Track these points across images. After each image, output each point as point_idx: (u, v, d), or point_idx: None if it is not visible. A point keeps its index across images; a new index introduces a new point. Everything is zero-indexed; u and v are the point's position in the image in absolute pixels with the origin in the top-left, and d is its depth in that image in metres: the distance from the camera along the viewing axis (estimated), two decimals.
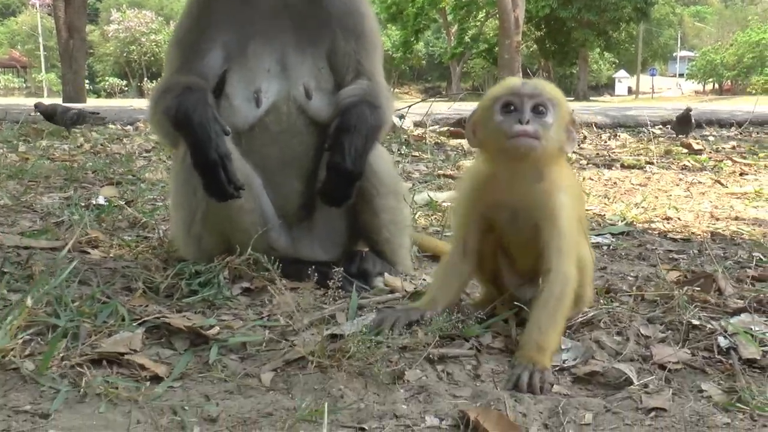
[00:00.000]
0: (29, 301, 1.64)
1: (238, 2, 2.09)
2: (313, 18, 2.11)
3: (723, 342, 1.69)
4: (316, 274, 1.93)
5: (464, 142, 7.12)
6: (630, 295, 2.06)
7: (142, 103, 17.77)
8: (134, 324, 1.72)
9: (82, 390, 1.40)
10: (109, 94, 60.71)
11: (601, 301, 1.98)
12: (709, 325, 1.77)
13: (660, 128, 9.79)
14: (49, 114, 6.82)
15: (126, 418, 1.31)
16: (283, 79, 2.07)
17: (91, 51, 58.29)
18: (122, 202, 3.25)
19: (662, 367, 1.60)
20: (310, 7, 2.11)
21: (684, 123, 7.68)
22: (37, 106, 7.05)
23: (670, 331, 1.77)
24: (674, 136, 7.83)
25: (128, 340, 1.63)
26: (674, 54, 70.54)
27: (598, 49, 53.21)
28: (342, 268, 1.96)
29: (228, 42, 2.06)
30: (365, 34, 2.16)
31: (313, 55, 2.11)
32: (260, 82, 2.05)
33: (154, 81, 62.94)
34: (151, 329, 1.73)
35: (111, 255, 2.38)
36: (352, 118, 1.98)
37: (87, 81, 30.79)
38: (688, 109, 7.89)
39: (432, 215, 3.28)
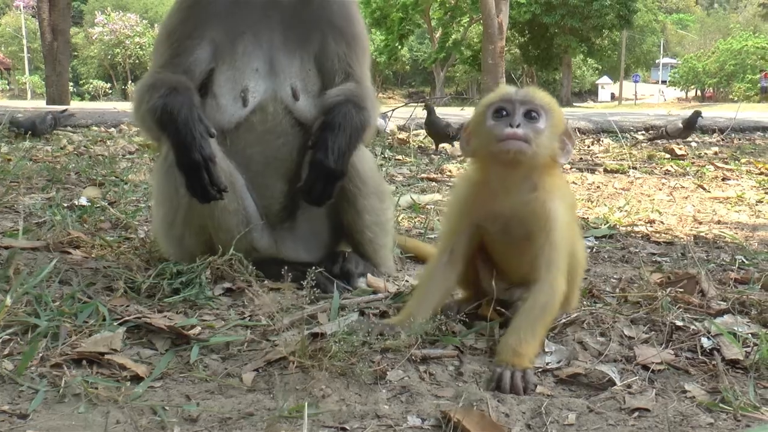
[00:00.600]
0: (8, 300, 1.62)
1: None
2: (303, 19, 2.10)
3: (706, 343, 1.69)
4: (290, 274, 1.90)
5: (447, 146, 7.14)
6: (613, 297, 2.06)
7: (126, 106, 17.70)
8: (115, 324, 1.70)
9: (61, 390, 1.38)
10: (93, 97, 60.27)
11: (585, 302, 1.98)
12: (692, 326, 1.77)
13: (643, 134, 9.85)
14: (29, 127, 6.68)
15: (105, 418, 1.29)
16: (270, 80, 2.06)
17: (76, 53, 58.00)
18: (105, 203, 3.23)
19: (645, 367, 1.60)
20: (301, 8, 2.10)
21: (689, 127, 7.71)
22: (13, 123, 6.81)
23: (653, 332, 1.77)
24: (666, 141, 7.78)
25: (109, 339, 1.61)
26: (657, 61, 71.11)
27: (581, 56, 53.54)
28: (324, 268, 1.96)
29: (217, 39, 2.05)
30: (355, 38, 2.15)
31: (301, 57, 2.10)
32: (248, 82, 2.04)
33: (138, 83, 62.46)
34: (132, 329, 1.71)
35: (93, 255, 2.35)
36: (338, 116, 1.97)
37: (71, 83, 30.56)
38: (698, 113, 7.90)
39: (415, 218, 3.28)
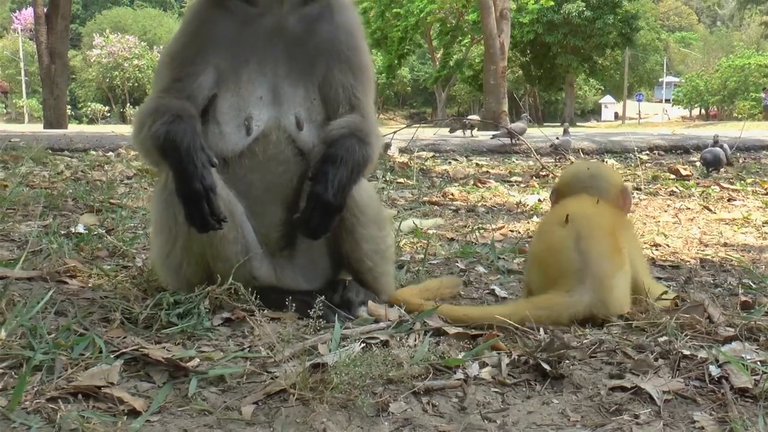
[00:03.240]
0: (3, 334, 1.61)
1: (236, 24, 2.08)
2: (308, 48, 2.11)
3: (714, 371, 1.68)
4: (293, 304, 1.90)
5: (450, 168, 7.15)
6: (619, 324, 2.05)
7: (124, 129, 17.76)
8: (112, 356, 1.69)
9: (56, 426, 1.37)
10: (91, 120, 60.59)
11: (590, 329, 1.97)
12: (699, 354, 1.76)
13: (647, 154, 9.88)
14: None
15: None
16: (274, 108, 2.06)
17: (74, 76, 58.38)
18: (102, 230, 3.23)
19: (652, 397, 1.58)
20: (307, 37, 2.11)
21: (716, 162, 7.20)
22: None
23: (661, 360, 1.76)
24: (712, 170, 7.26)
25: (105, 372, 1.60)
26: (660, 80, 71.37)
27: (583, 75, 53.79)
28: (324, 297, 1.96)
29: (221, 65, 2.06)
30: (361, 68, 2.16)
31: (305, 86, 2.10)
32: (252, 110, 2.04)
33: (136, 107, 62.83)
34: (129, 361, 1.70)
35: (89, 285, 2.35)
36: (340, 150, 1.97)
37: (69, 106, 30.69)
38: (717, 141, 7.65)
39: (417, 243, 3.27)
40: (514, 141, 9.65)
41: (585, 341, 1.86)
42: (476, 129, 14.92)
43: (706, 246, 3.44)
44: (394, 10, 42.70)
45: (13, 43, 65.62)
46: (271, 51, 2.08)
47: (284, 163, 2.07)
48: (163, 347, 1.77)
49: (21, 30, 59.30)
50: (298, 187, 2.09)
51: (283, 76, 2.08)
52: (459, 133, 13.80)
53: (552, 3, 37.17)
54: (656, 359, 1.76)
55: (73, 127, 26.83)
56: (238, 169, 2.05)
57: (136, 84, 63.47)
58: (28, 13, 46.18)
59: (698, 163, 7.52)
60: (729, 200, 5.18)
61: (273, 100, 2.07)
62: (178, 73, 2.05)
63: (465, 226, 3.81)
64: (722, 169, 7.23)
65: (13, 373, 1.59)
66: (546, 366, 1.68)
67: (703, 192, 5.54)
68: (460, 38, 46.59)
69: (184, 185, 1.88)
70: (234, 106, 2.04)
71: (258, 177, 2.06)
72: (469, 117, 10.20)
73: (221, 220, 1.90)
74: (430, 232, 3.54)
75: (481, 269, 2.82)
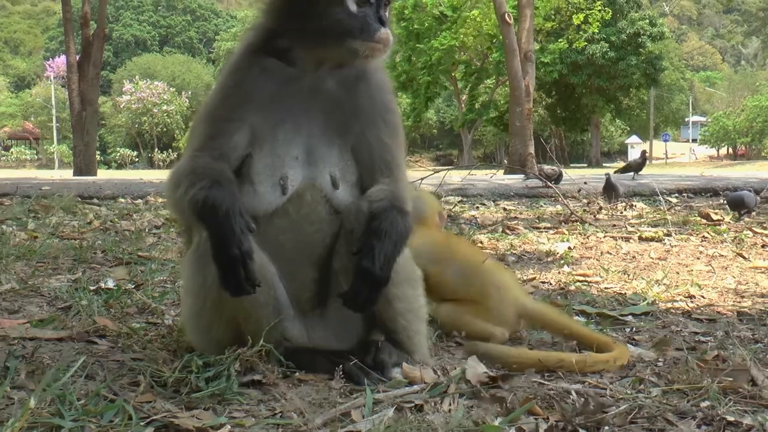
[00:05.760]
0: (32, 402, 1.60)
1: (273, 84, 2.09)
2: (343, 109, 2.12)
3: None
4: (325, 366, 1.94)
5: (477, 214, 7.14)
6: (658, 385, 1.99)
7: (152, 176, 17.94)
8: (141, 424, 1.67)
9: None
10: (120, 165, 61.66)
11: (630, 391, 1.92)
12: (745, 420, 1.70)
13: (676, 196, 9.79)
14: None
15: None
16: (310, 168, 2.07)
17: (103, 122, 59.59)
18: (131, 286, 3.23)
19: None
20: (343, 98, 2.13)
21: (741, 204, 6.99)
22: None
23: (704, 427, 1.70)
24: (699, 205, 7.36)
25: None
26: (686, 119, 71.20)
27: (609, 115, 53.84)
28: (357, 359, 1.95)
29: (256, 124, 2.06)
30: (394, 131, 2.18)
31: (340, 146, 2.11)
32: (287, 170, 2.05)
33: (164, 152, 64.22)
34: (159, 429, 1.67)
35: (119, 345, 2.34)
36: (384, 223, 1.98)
37: (98, 152, 31.22)
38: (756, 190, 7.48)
39: None
40: (547, 184, 9.61)
41: (622, 406, 1.80)
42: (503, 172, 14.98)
43: (743, 297, 3.36)
44: (417, 46, 43.19)
45: (45, 91, 67.35)
46: (308, 111, 2.09)
47: (317, 222, 2.07)
48: (193, 415, 1.74)
49: (54, 77, 60.86)
50: (330, 246, 2.09)
51: (319, 136, 2.09)
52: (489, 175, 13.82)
53: (584, 44, 37.42)
54: (699, 426, 1.70)
55: (102, 173, 27.25)
56: (270, 229, 2.04)
57: (165, 129, 64.71)
58: (60, 61, 47.44)
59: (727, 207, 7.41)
60: (763, 246, 5.08)
61: (308, 160, 2.08)
62: (214, 131, 2.07)
63: None
64: (753, 212, 7.12)
65: None
66: None
67: (735, 237, 5.44)
68: (486, 80, 47.02)
69: (222, 251, 1.87)
70: (269, 166, 2.05)
71: (290, 237, 2.05)
72: (548, 167, 10.32)
73: (255, 285, 1.89)
74: None
75: None
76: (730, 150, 64.38)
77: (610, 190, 7.74)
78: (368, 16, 2.01)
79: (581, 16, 32.09)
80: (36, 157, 67.23)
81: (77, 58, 23.53)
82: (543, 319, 2.57)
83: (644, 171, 13.81)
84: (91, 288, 3.18)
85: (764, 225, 6.30)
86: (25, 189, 9.62)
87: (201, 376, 1.92)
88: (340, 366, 1.98)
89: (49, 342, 2.31)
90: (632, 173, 10.95)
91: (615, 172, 11.60)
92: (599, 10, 32.20)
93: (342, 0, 2.00)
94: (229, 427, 1.67)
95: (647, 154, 13.12)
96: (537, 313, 2.58)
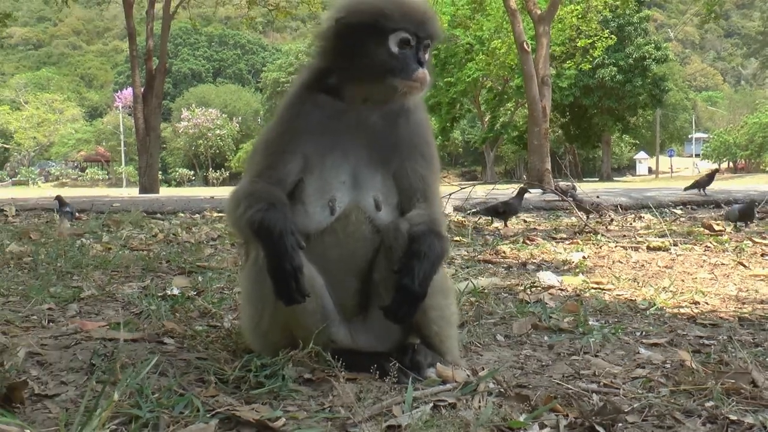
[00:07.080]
0: (116, 396, 1.65)
1: (324, 117, 2.14)
2: (385, 140, 2.16)
3: None
4: (376, 369, 1.99)
5: (500, 226, 7.13)
6: (667, 386, 1.99)
7: (207, 192, 18.10)
8: (208, 415, 1.72)
9: None
10: (179, 183, 62.69)
11: (639, 391, 1.92)
12: (746, 419, 1.69)
13: (681, 208, 9.67)
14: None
15: None
16: (355, 191, 2.11)
17: (164, 145, 60.75)
18: (193, 293, 3.29)
19: None
20: (386, 131, 2.16)
21: (746, 215, 6.99)
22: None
23: (709, 425, 1.70)
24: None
25: (203, 431, 1.63)
26: (690, 136, 70.28)
27: (618, 133, 53.37)
28: (396, 360, 1.98)
29: (308, 153, 2.11)
30: (431, 161, 2.21)
31: (382, 173, 2.15)
32: (335, 192, 2.09)
33: (217, 171, 65.22)
34: (223, 420, 1.72)
35: (185, 345, 2.40)
36: (423, 246, 2.01)
37: (160, 172, 31.70)
38: (753, 201, 7.38)
39: (476, 301, 3.23)
40: (563, 198, 9.57)
41: (636, 405, 1.80)
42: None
43: (744, 304, 3.32)
44: (446, 79, 43.30)
45: (114, 119, 69.11)
46: (354, 141, 2.13)
47: (361, 239, 2.11)
48: (253, 408, 1.78)
49: (122, 107, 62.24)
50: (372, 260, 2.13)
51: (364, 164, 2.13)
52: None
53: (589, 67, 37.10)
54: (704, 424, 1.70)
55: (164, 190, 27.61)
56: (319, 245, 2.09)
57: (218, 151, 65.74)
58: (128, 92, 48.31)
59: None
60: (762, 255, 5.01)
61: (354, 184, 2.12)
62: (271, 161, 2.12)
63: (518, 285, 3.77)
64: (752, 223, 7.01)
65: (123, 429, 1.64)
66: (600, 429, 1.64)
67: (736, 247, 5.36)
68: (506, 102, 47.01)
69: (276, 266, 1.92)
70: (319, 189, 2.09)
71: (336, 252, 2.10)
72: (563, 183, 10.47)
73: (305, 295, 1.93)
74: (486, 291, 3.51)
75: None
76: (731, 164, 63.31)
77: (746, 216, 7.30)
78: (408, 57, 2.04)
79: (587, 41, 31.82)
80: (107, 177, 68.64)
81: (142, 89, 24.08)
82: None
83: (651, 185, 13.68)
84: (159, 294, 3.26)
85: (763, 235, 6.20)
86: (99, 206, 9.81)
87: (259, 374, 1.97)
88: (382, 366, 2.03)
89: (126, 342, 2.37)
90: (700, 189, 11.13)
91: (684, 189, 11.71)
92: (606, 37, 31.91)
93: (385, 42, 2.03)
94: (284, 419, 1.71)
95: (717, 171, 13.35)
96: None
